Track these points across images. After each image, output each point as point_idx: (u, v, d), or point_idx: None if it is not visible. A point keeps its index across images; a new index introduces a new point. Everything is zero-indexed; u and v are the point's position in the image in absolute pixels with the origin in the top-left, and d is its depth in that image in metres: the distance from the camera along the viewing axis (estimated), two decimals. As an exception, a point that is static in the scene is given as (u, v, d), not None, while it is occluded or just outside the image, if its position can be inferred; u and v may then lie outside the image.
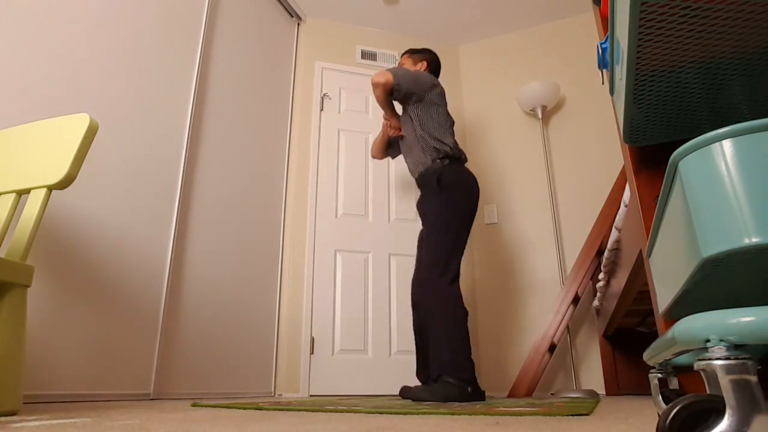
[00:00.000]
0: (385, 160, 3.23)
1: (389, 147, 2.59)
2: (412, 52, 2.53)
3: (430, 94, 2.27)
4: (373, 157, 2.62)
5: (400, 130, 2.40)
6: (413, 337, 2.86)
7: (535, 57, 3.50)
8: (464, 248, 2.09)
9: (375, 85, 2.22)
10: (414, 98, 2.26)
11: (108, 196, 1.84)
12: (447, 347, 1.87)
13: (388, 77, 2.21)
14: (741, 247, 0.45)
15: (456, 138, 3.47)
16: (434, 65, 2.51)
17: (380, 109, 3.30)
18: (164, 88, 2.20)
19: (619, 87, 0.87)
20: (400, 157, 3.22)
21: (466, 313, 1.96)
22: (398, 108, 2.49)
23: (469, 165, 3.48)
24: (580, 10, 3.44)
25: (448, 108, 3.58)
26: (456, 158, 2.19)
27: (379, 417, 1.05)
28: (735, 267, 0.50)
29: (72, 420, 0.92)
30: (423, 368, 2.12)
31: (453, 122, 2.33)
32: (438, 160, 2.16)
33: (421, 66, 2.47)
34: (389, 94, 2.26)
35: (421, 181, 2.22)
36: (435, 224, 2.06)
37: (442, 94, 2.32)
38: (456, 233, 2.05)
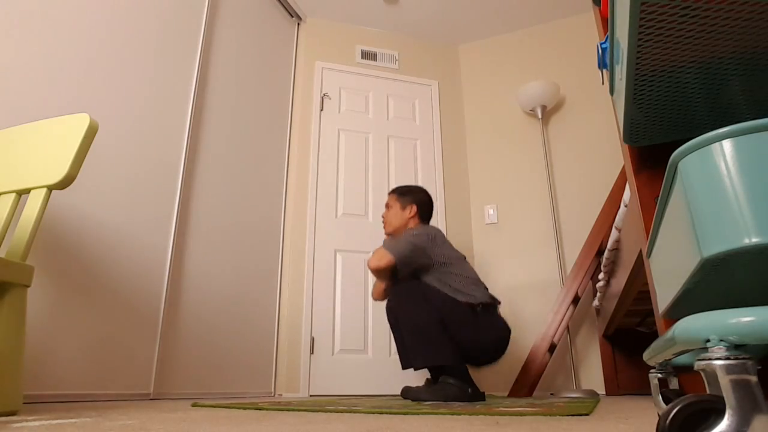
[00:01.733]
0: (385, 159, 3.23)
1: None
2: (400, 194, 2.28)
3: (435, 255, 2.04)
4: (375, 299, 2.33)
5: None
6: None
7: (535, 57, 3.50)
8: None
9: (375, 271, 2.01)
10: (421, 271, 2.06)
11: (108, 196, 1.84)
12: (421, 342, 1.85)
13: (388, 260, 1.98)
14: (741, 247, 0.45)
15: (456, 138, 3.49)
16: (424, 207, 2.25)
17: (383, 108, 3.31)
18: (164, 88, 2.20)
19: (619, 87, 0.87)
20: (400, 157, 3.23)
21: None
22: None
23: (469, 165, 3.48)
24: (580, 10, 3.44)
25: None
26: (487, 304, 1.99)
27: (379, 417, 1.05)
28: (735, 267, 0.50)
29: (72, 420, 0.92)
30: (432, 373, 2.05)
31: (464, 261, 2.11)
32: (469, 306, 1.97)
33: (410, 211, 2.23)
34: (393, 271, 2.05)
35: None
36: None
37: (444, 242, 2.10)
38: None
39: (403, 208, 2.25)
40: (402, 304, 1.94)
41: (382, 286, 2.24)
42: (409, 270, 2.05)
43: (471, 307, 1.94)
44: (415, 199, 2.25)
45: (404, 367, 2.10)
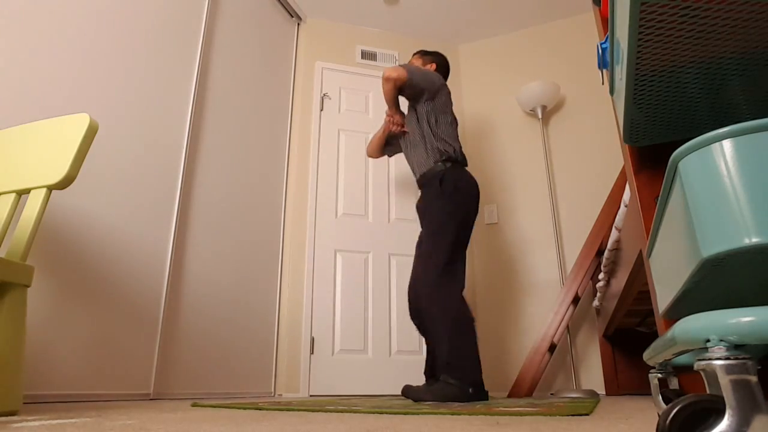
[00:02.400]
0: (385, 160, 3.23)
1: (387, 145, 2.58)
2: (423, 54, 2.53)
3: (440, 94, 2.27)
4: (369, 155, 2.60)
5: (403, 126, 2.39)
6: (413, 337, 2.87)
7: (535, 57, 3.50)
8: (465, 252, 2.09)
9: (387, 80, 2.21)
10: (424, 97, 2.25)
11: (108, 196, 1.84)
12: (449, 347, 1.87)
13: (402, 73, 2.19)
14: (741, 247, 0.45)
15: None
16: (443, 68, 2.51)
17: (384, 105, 3.31)
18: (164, 88, 2.20)
19: (619, 87, 0.87)
20: (400, 157, 3.23)
21: (470, 317, 1.95)
22: (403, 106, 2.48)
23: (470, 165, 3.48)
24: (580, 10, 3.44)
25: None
26: (459, 161, 2.19)
27: (379, 417, 1.05)
28: (735, 267, 0.50)
29: (72, 420, 0.92)
30: (431, 368, 2.09)
31: (457, 125, 2.33)
32: (440, 162, 2.16)
33: (431, 68, 2.47)
34: (399, 90, 2.26)
35: (423, 181, 2.22)
36: (436, 228, 2.06)
37: (449, 95, 2.33)
38: (457, 237, 2.04)
39: (425, 64, 2.50)
40: (435, 314, 1.94)
41: (379, 141, 2.51)
42: (413, 92, 2.24)
43: (445, 160, 2.16)
44: (437, 59, 2.51)
45: (427, 374, 2.09)
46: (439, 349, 1.90)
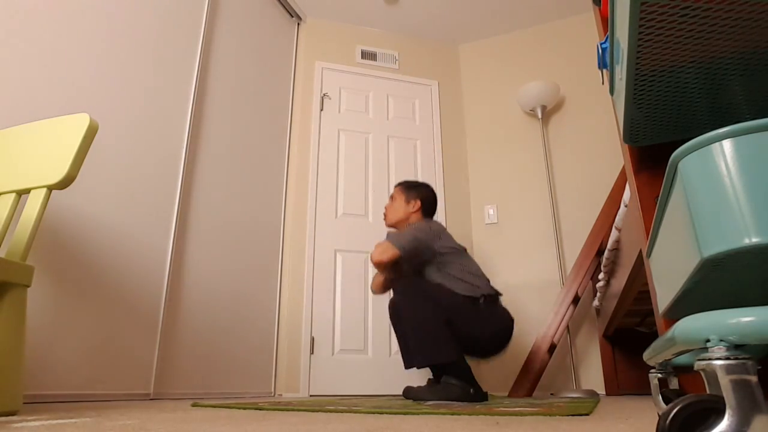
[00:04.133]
0: (385, 160, 3.23)
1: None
2: (406, 188, 2.28)
3: (438, 250, 2.05)
4: (374, 293, 2.32)
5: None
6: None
7: (535, 57, 3.50)
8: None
9: (378, 264, 2.00)
10: (424, 262, 2.07)
11: (108, 196, 1.84)
12: (422, 338, 1.85)
13: (391, 252, 1.97)
14: (741, 247, 0.45)
15: (457, 138, 3.49)
16: (428, 204, 2.26)
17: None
18: (164, 88, 2.20)
19: (619, 87, 0.87)
20: (401, 157, 3.23)
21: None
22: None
23: (469, 165, 3.48)
24: (580, 10, 3.44)
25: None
26: (493, 297, 2.00)
27: (379, 417, 1.05)
28: (735, 267, 0.50)
29: (72, 420, 0.92)
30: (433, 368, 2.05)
31: (465, 250, 2.13)
32: (472, 300, 1.98)
33: (414, 205, 2.23)
34: (396, 264, 2.06)
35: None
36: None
37: (446, 236, 2.11)
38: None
39: (408, 201, 2.26)
40: (405, 301, 1.94)
41: (382, 278, 2.24)
42: (412, 264, 2.06)
43: (473, 300, 1.95)
44: (420, 194, 2.26)
45: (407, 367, 2.10)
46: (413, 342, 1.89)
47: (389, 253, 1.97)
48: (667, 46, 0.69)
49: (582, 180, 3.11)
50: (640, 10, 0.62)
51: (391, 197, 2.33)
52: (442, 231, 2.10)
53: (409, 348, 1.96)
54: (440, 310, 1.89)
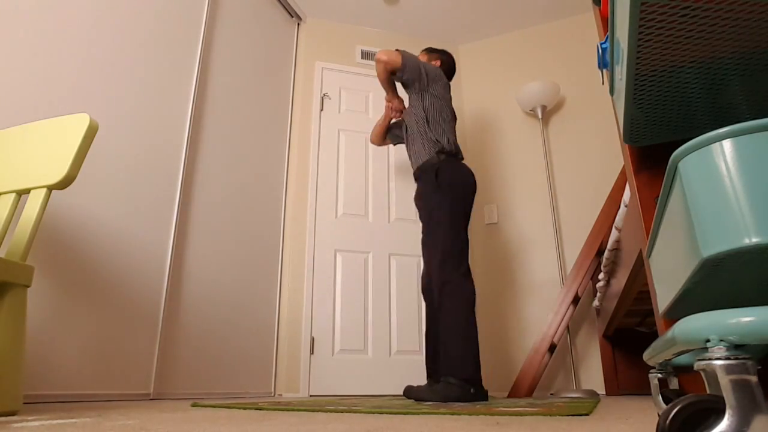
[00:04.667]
0: (385, 160, 3.23)
1: (389, 132, 2.61)
2: (429, 51, 2.56)
3: (434, 85, 2.27)
4: (372, 142, 2.64)
5: (402, 112, 2.41)
6: (413, 337, 2.87)
7: (535, 57, 3.50)
8: (468, 236, 2.09)
9: (378, 61, 2.25)
10: (417, 86, 2.27)
11: (108, 196, 1.84)
12: (457, 346, 1.87)
13: (394, 57, 2.22)
14: (741, 247, 0.45)
15: (456, 136, 3.48)
16: (448, 67, 2.52)
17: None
18: (164, 88, 2.20)
19: (619, 87, 0.87)
20: (401, 153, 3.23)
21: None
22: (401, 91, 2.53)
23: (470, 165, 3.48)
24: (580, 10, 3.44)
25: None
26: (453, 154, 2.19)
27: (379, 417, 1.05)
28: (735, 267, 0.50)
29: (72, 420, 0.92)
30: (433, 371, 2.07)
31: (455, 118, 2.34)
32: (435, 155, 2.18)
33: (435, 64, 2.48)
34: (391, 73, 2.28)
35: (418, 174, 2.24)
36: (438, 221, 2.06)
37: (447, 87, 2.32)
38: (460, 227, 2.06)
39: (430, 60, 2.52)
40: (449, 309, 1.94)
41: (381, 129, 2.55)
42: (402, 79, 2.28)
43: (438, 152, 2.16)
44: (443, 57, 2.53)
45: (430, 373, 2.08)
46: (446, 344, 1.90)
47: (391, 56, 2.22)
48: (667, 46, 0.69)
49: (582, 180, 3.11)
50: (640, 10, 0.62)
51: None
52: (444, 80, 2.31)
53: (437, 359, 1.97)
54: (475, 323, 1.95)
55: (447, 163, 2.15)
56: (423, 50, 2.59)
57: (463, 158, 2.26)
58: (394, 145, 2.73)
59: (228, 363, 2.37)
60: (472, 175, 2.19)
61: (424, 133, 2.22)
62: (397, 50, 2.26)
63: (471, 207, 2.16)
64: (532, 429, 0.79)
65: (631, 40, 0.68)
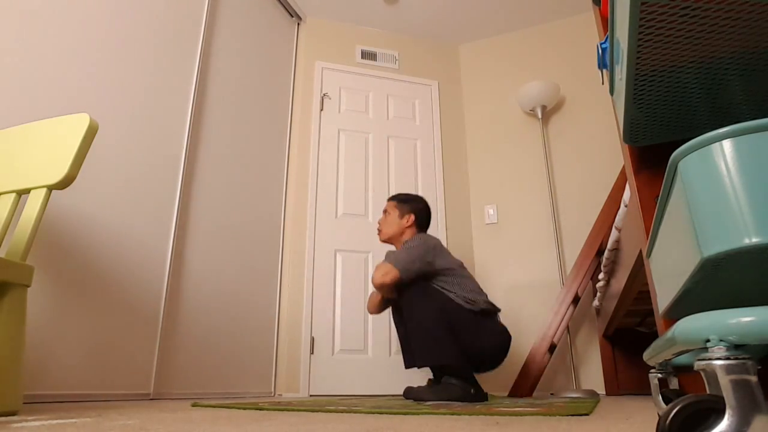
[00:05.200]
0: (385, 160, 3.23)
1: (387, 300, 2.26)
2: (399, 202, 2.27)
3: (435, 264, 2.03)
4: (370, 312, 2.29)
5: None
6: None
7: (535, 57, 3.50)
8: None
9: (381, 287, 1.98)
10: (422, 276, 2.03)
11: (108, 196, 1.84)
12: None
13: (392, 274, 1.95)
14: (741, 247, 0.45)
15: (456, 137, 3.49)
16: (422, 217, 2.25)
17: (383, 109, 3.31)
18: (164, 87, 2.20)
19: (619, 87, 0.87)
20: (401, 153, 3.23)
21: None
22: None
23: (469, 165, 3.48)
24: (580, 10, 3.44)
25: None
26: (492, 312, 2.01)
27: (379, 417, 1.05)
28: (735, 267, 0.50)
29: (72, 420, 0.92)
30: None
31: (462, 264, 2.12)
32: (472, 312, 1.97)
33: (408, 220, 2.22)
34: (398, 284, 2.01)
35: None
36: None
37: (442, 250, 2.09)
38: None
39: (401, 216, 2.24)
40: (409, 301, 1.94)
41: (378, 298, 2.21)
42: (412, 281, 2.01)
43: (473, 312, 1.95)
44: (414, 208, 2.24)
45: (407, 366, 2.09)
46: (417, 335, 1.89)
47: (391, 275, 1.95)
48: (667, 46, 0.69)
49: (582, 180, 3.11)
50: (640, 10, 0.62)
51: (385, 211, 2.31)
52: (439, 247, 2.08)
53: (410, 347, 1.96)
54: (443, 313, 1.90)
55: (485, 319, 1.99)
56: (390, 200, 2.30)
57: (499, 310, 2.08)
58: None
59: (228, 363, 2.37)
60: (509, 339, 2.02)
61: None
62: (385, 262, 1.99)
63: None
64: (532, 429, 0.79)
65: (631, 40, 0.68)
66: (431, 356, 1.85)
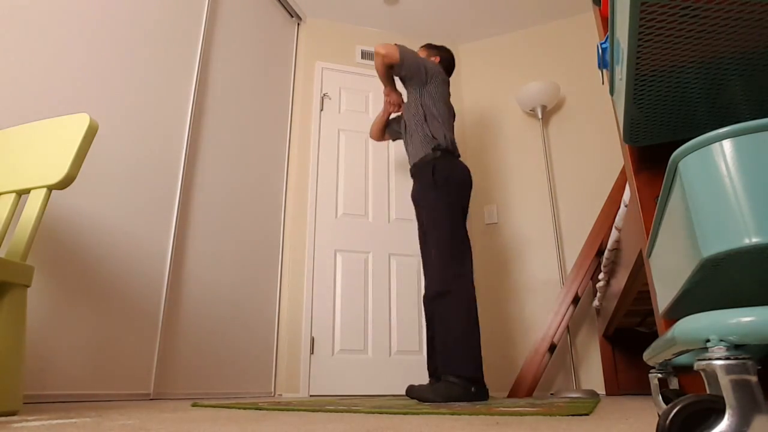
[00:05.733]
0: (385, 160, 3.23)
1: (388, 127, 2.61)
2: (429, 47, 2.56)
3: (433, 82, 2.26)
4: (372, 137, 2.64)
5: (400, 106, 2.43)
6: (413, 337, 2.87)
7: (535, 57, 3.50)
8: (467, 235, 2.10)
9: (376, 54, 2.25)
10: (415, 82, 2.27)
11: (108, 196, 1.84)
12: (457, 345, 1.87)
13: (393, 51, 2.22)
14: (741, 247, 0.45)
15: (456, 137, 3.49)
16: (447, 63, 2.52)
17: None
18: (164, 88, 2.20)
19: (619, 87, 0.87)
20: (401, 152, 3.22)
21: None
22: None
23: (469, 165, 3.48)
24: (580, 10, 3.44)
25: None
26: (449, 151, 2.19)
27: (379, 417, 1.05)
28: (735, 267, 0.50)
29: (72, 420, 0.92)
30: (433, 369, 2.07)
31: (454, 115, 2.34)
32: (431, 152, 2.18)
33: (434, 60, 2.48)
34: (389, 67, 2.29)
35: (415, 170, 2.24)
36: (435, 219, 2.06)
37: (446, 84, 2.32)
38: (458, 226, 2.06)
39: (429, 57, 2.50)
40: (450, 312, 1.95)
41: (381, 125, 2.55)
42: (400, 74, 2.29)
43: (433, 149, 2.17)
44: (441, 53, 2.52)
45: (431, 372, 2.07)
46: (446, 340, 1.89)
47: (390, 50, 2.22)
48: (667, 46, 0.69)
49: (582, 180, 3.11)
50: (640, 10, 0.62)
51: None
52: (442, 76, 2.29)
53: (440, 351, 1.96)
54: (477, 322, 1.97)
55: (443, 160, 2.15)
56: (422, 46, 2.59)
57: (459, 156, 2.26)
58: (393, 140, 2.73)
59: (228, 363, 2.37)
60: (469, 172, 2.20)
61: (421, 129, 2.22)
62: (396, 45, 2.26)
63: (468, 203, 2.16)
64: (532, 429, 0.79)
65: (631, 40, 0.68)
66: (461, 366, 1.85)
